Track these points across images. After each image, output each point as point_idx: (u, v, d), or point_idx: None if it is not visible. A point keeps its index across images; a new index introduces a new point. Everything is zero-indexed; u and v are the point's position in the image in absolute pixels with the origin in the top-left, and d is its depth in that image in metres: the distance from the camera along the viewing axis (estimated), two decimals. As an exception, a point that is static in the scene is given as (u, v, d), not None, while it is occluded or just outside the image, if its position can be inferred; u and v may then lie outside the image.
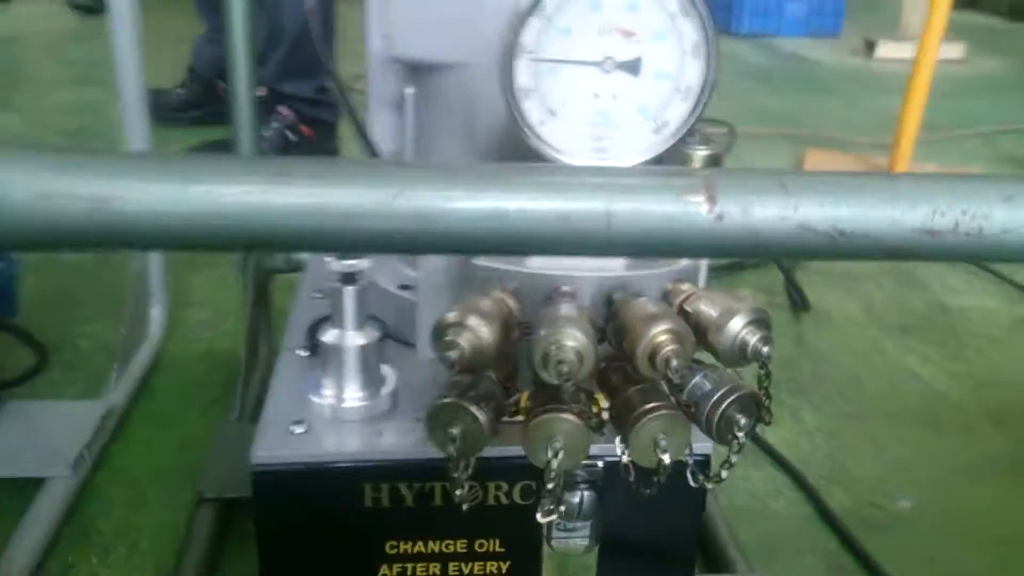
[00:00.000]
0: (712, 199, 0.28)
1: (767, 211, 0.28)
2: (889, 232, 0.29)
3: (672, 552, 0.61)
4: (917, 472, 0.93)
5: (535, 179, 0.27)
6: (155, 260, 1.11)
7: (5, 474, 0.83)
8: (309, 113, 1.70)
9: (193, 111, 1.99)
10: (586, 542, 0.56)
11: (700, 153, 0.53)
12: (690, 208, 0.28)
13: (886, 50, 3.11)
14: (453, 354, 0.42)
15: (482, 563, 0.59)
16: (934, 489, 0.91)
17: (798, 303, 1.28)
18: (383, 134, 0.73)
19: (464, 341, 0.42)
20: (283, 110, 1.72)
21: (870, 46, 3.17)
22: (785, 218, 0.28)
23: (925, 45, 1.62)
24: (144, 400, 0.99)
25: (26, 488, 0.82)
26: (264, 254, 1.04)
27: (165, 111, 1.96)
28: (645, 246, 0.28)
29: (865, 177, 0.29)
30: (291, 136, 1.69)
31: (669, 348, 0.42)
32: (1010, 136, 2.19)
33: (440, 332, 0.43)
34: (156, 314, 1.11)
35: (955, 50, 3.14)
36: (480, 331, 0.42)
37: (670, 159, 0.53)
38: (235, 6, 0.88)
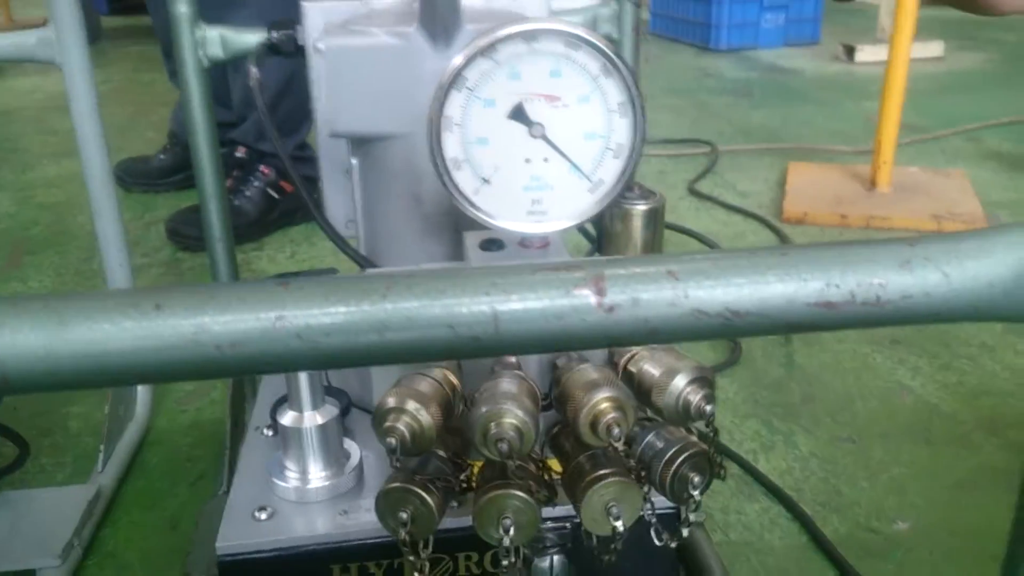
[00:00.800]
0: (601, 292, 0.28)
1: (658, 299, 0.28)
2: (785, 309, 0.28)
3: (653, 607, 0.60)
4: (912, 491, 0.92)
5: (420, 285, 0.27)
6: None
7: (-6, 569, 0.83)
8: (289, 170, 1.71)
9: (176, 175, 2.00)
10: (562, 606, 0.56)
11: (639, 208, 0.52)
12: (579, 303, 0.28)
13: (866, 54, 3.12)
14: (393, 440, 0.41)
15: (459, 635, 0.58)
16: (930, 508, 0.89)
17: (786, 323, 1.27)
18: (335, 199, 0.74)
19: (403, 426, 0.42)
20: (264, 169, 1.73)
21: (849, 51, 3.18)
22: (676, 304, 0.28)
23: (896, 46, 1.62)
24: (132, 479, 0.99)
25: (16, 581, 0.82)
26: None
27: (148, 177, 1.98)
28: (536, 344, 0.28)
29: (756, 255, 0.29)
30: (273, 194, 1.70)
31: (610, 416, 0.42)
32: (993, 131, 2.18)
33: (379, 419, 0.42)
34: (142, 390, 1.11)
35: (933, 48, 3.15)
36: (419, 415, 0.42)
37: (609, 215, 0.53)
38: (193, 91, 0.89)
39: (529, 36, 0.48)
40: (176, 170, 2.00)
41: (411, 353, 0.27)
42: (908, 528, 0.87)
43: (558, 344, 0.28)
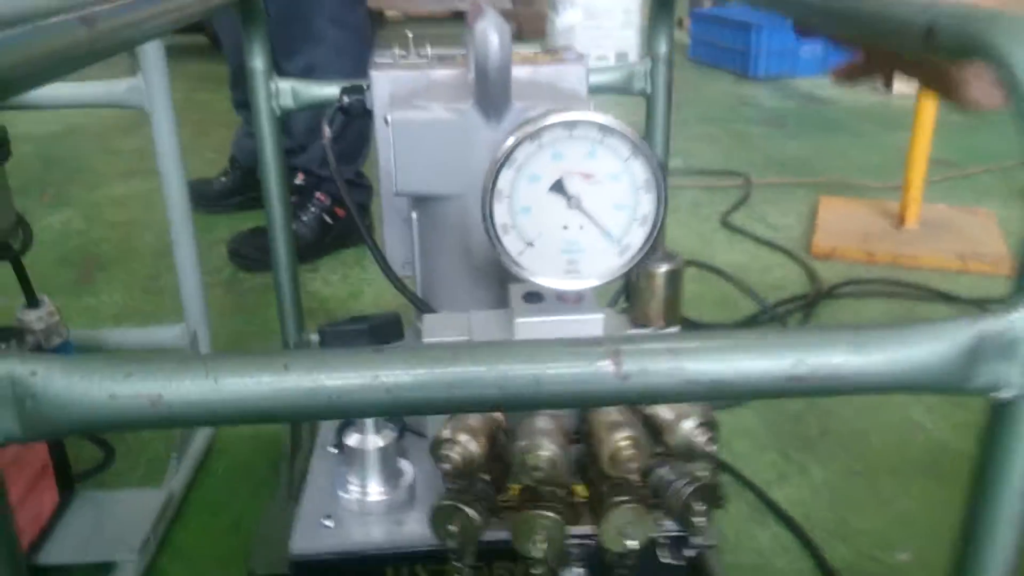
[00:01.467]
0: (618, 364, 0.36)
1: (660, 370, 0.36)
2: (760, 380, 0.36)
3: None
4: (918, 524, 0.98)
5: (480, 355, 0.36)
6: (205, 349, 1.21)
7: (81, 560, 0.93)
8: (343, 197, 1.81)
9: (236, 197, 2.12)
10: (584, 613, 0.64)
11: (661, 270, 0.61)
12: (600, 372, 0.36)
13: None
14: (447, 466, 0.50)
15: (495, 634, 0.66)
16: (934, 540, 0.96)
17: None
18: (394, 242, 0.83)
19: (455, 454, 0.50)
20: (320, 195, 1.83)
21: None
22: (674, 375, 0.36)
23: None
24: (200, 484, 1.09)
25: (98, 572, 0.92)
26: (302, 339, 1.15)
27: (210, 199, 2.09)
28: (567, 402, 0.36)
29: (741, 336, 0.37)
30: (328, 219, 1.81)
31: (628, 452, 0.50)
32: (1025, 170, 2.22)
33: (435, 447, 0.51)
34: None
35: (973, 81, 3.17)
36: (469, 446, 0.51)
37: (635, 274, 0.61)
38: (267, 137, 1.00)
39: (569, 125, 0.56)
40: (236, 192, 2.12)
41: (470, 407, 0.36)
42: (909, 558, 0.93)
43: (584, 403, 0.36)
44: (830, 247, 1.71)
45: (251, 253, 1.76)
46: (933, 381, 0.38)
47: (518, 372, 0.36)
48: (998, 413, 0.40)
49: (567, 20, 3.55)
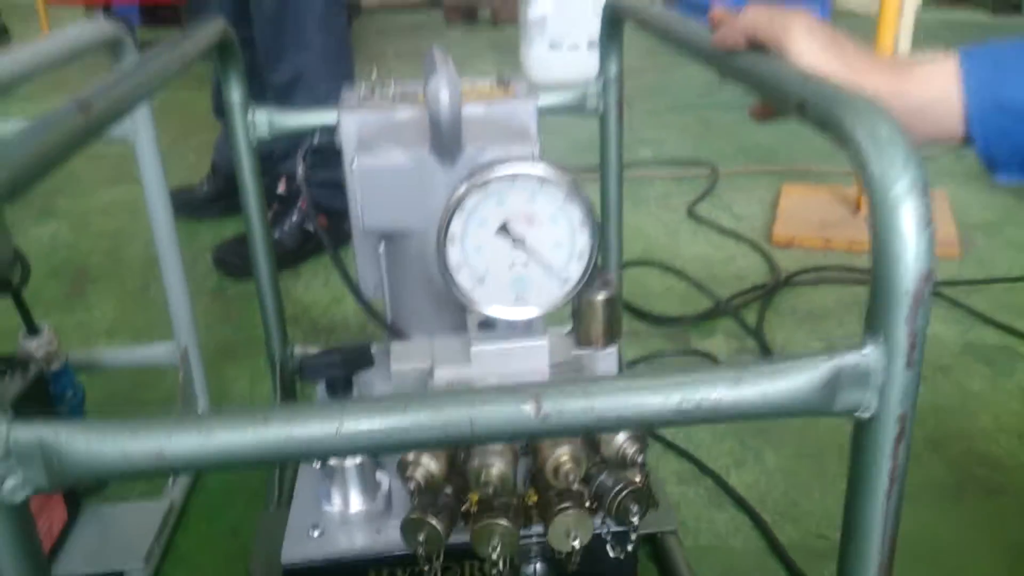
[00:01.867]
0: (538, 407, 0.44)
1: (574, 409, 0.44)
2: (656, 414, 0.44)
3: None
4: (860, 501, 1.07)
5: (425, 403, 0.44)
6: (196, 366, 1.28)
7: (92, 570, 1.01)
8: (327, 203, 1.86)
9: (217, 203, 2.17)
10: (546, 601, 0.72)
11: (599, 297, 0.68)
12: (524, 414, 0.44)
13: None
14: (411, 485, 0.58)
15: (468, 623, 0.74)
16: (874, 516, 1.04)
17: (766, 347, 1.42)
18: (365, 269, 0.90)
19: (418, 474, 0.58)
20: (303, 204, 1.89)
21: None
22: (586, 413, 0.44)
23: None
24: (197, 494, 1.17)
25: (108, 581, 1.00)
26: (287, 353, 1.22)
27: (191, 206, 2.15)
28: (498, 438, 0.44)
29: (639, 378, 0.44)
30: (309, 228, 1.87)
31: (568, 466, 0.58)
32: (980, 150, 2.30)
33: (401, 468, 0.59)
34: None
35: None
36: (429, 466, 0.58)
37: (577, 302, 0.69)
38: (245, 164, 1.06)
39: (512, 176, 0.64)
40: (219, 198, 2.18)
41: (419, 446, 0.44)
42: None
43: (512, 438, 0.44)
44: (789, 236, 1.79)
45: (236, 261, 1.83)
46: (801, 407, 0.46)
47: (456, 417, 0.43)
48: (859, 430, 0.48)
49: (539, 9, 3.60)
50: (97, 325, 1.68)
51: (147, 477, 0.43)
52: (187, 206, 2.15)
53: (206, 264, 1.90)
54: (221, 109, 2.12)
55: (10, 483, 0.42)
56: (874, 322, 0.45)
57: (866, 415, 0.47)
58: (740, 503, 1.08)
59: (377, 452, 0.43)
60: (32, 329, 1.06)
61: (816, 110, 0.49)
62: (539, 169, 0.64)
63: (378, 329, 0.88)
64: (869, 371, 0.45)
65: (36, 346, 1.05)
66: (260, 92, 1.88)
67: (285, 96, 1.80)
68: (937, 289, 1.55)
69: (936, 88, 0.62)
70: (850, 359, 0.45)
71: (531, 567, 0.70)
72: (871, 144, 0.44)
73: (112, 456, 0.42)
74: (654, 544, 1.00)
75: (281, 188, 1.92)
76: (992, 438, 1.18)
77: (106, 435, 0.42)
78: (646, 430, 0.61)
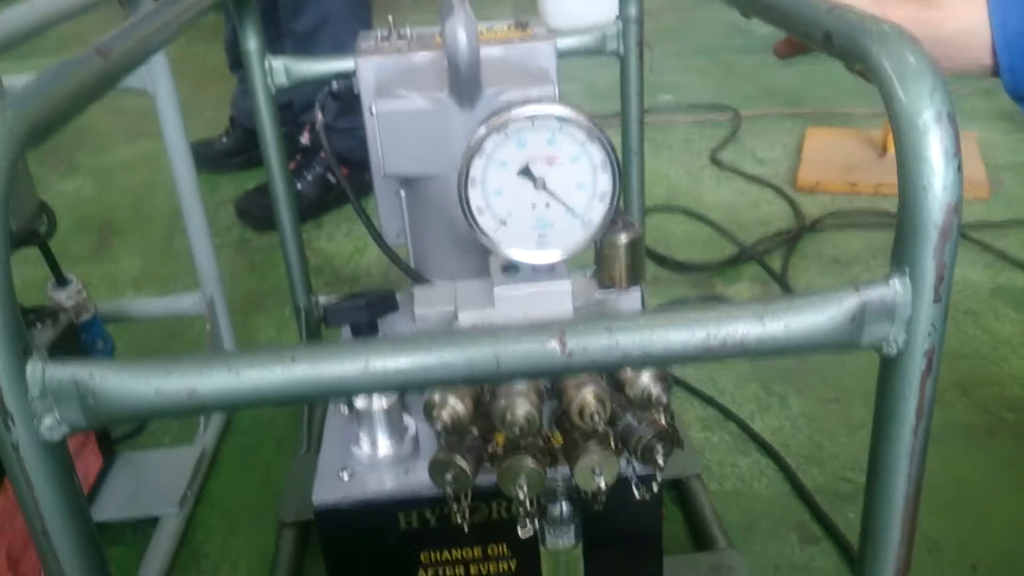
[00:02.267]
0: (563, 343, 0.44)
1: (599, 346, 0.44)
2: (681, 350, 0.44)
3: (643, 540, 0.77)
4: (885, 443, 1.07)
5: (450, 340, 0.44)
6: (223, 315, 1.30)
7: (126, 515, 1.03)
8: (349, 154, 1.85)
9: (238, 156, 2.18)
10: (571, 541, 0.73)
11: (622, 239, 0.68)
12: (549, 350, 0.44)
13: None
14: (439, 426, 0.59)
15: (495, 563, 0.76)
16: (898, 457, 1.04)
17: (790, 292, 1.41)
18: (387, 215, 0.90)
19: (446, 415, 0.59)
20: (324, 155, 1.89)
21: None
22: (611, 349, 0.44)
23: None
24: (229, 440, 1.19)
25: (144, 526, 1.02)
26: (311, 301, 1.23)
27: (212, 160, 2.15)
28: (524, 375, 0.44)
29: (662, 315, 0.44)
30: (331, 179, 1.87)
31: (593, 406, 0.58)
32: (1011, 90, 2.24)
33: (427, 409, 0.59)
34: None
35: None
36: (457, 407, 0.59)
37: (600, 244, 0.69)
38: (264, 111, 1.06)
39: (531, 116, 0.63)
40: (239, 151, 2.18)
41: (445, 383, 0.44)
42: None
43: (537, 376, 0.44)
44: (814, 180, 1.77)
45: (259, 212, 1.84)
46: (826, 342, 0.45)
47: (482, 354, 0.44)
48: (886, 366, 0.48)
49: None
50: (124, 276, 1.70)
51: (179, 415, 0.43)
52: (208, 159, 2.16)
53: (229, 216, 1.91)
54: (236, 63, 2.12)
55: (47, 421, 0.43)
56: (900, 255, 0.45)
57: (892, 350, 0.46)
58: (764, 447, 1.08)
59: (404, 389, 0.44)
60: (61, 280, 1.07)
61: (842, 41, 0.48)
62: (559, 109, 0.63)
63: (402, 277, 0.88)
64: (895, 305, 0.45)
65: (65, 297, 1.06)
66: (278, 42, 1.87)
67: (308, 44, 1.78)
68: (966, 231, 1.52)
69: (963, 19, 0.60)
70: (876, 293, 0.45)
71: (557, 507, 0.70)
72: (898, 73, 0.43)
73: (145, 394, 0.43)
74: (679, 488, 1.02)
75: (304, 138, 1.92)
76: (1022, 383, 1.17)
77: (139, 374, 0.43)
78: (670, 371, 0.61)
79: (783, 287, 1.43)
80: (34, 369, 0.42)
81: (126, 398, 0.43)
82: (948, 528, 0.95)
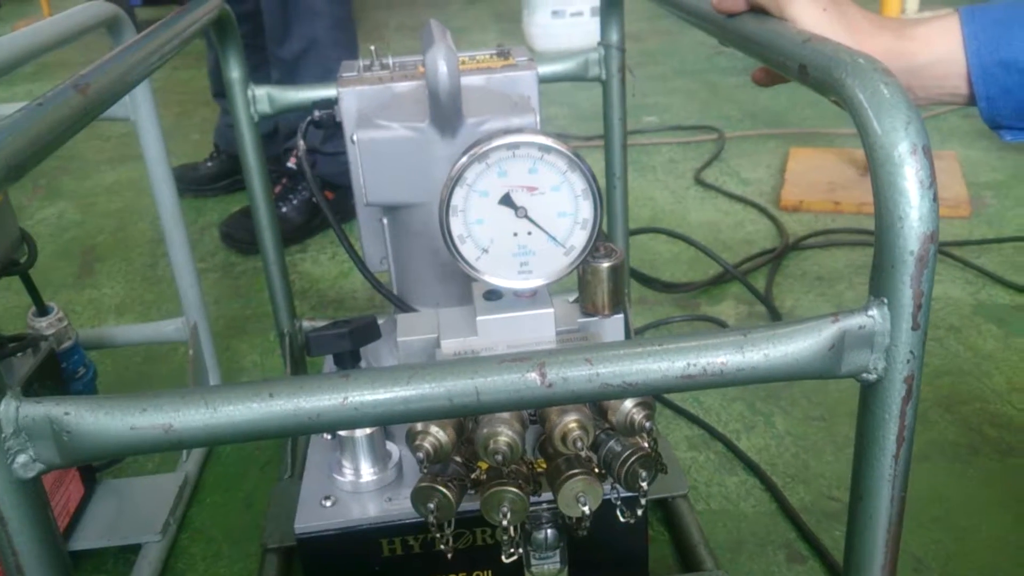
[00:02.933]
0: (543, 375, 0.44)
1: (578, 377, 0.44)
2: (660, 380, 0.44)
3: (629, 563, 0.77)
4: (870, 463, 1.07)
5: (429, 374, 0.44)
6: (206, 341, 1.29)
7: (109, 543, 1.02)
8: (335, 178, 1.85)
9: (223, 181, 2.18)
10: (557, 566, 0.72)
11: (604, 265, 0.68)
12: (529, 382, 0.44)
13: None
14: (420, 455, 0.58)
15: (480, 589, 0.76)
16: (883, 477, 1.05)
17: (775, 312, 1.42)
18: (370, 242, 0.90)
19: (427, 444, 0.59)
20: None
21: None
22: (591, 381, 0.44)
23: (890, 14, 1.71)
24: (211, 466, 1.18)
25: (126, 554, 1.01)
26: (295, 326, 1.23)
27: (197, 184, 2.15)
28: (504, 407, 0.44)
29: (642, 344, 0.44)
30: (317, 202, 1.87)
31: (576, 433, 0.58)
32: (990, 108, 2.27)
33: (410, 438, 0.59)
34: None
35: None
36: (438, 435, 0.59)
37: (582, 270, 0.69)
38: (247, 139, 1.06)
39: (512, 146, 0.63)
40: (223, 176, 2.18)
41: (425, 417, 0.44)
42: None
43: (517, 407, 0.44)
44: (797, 199, 1.78)
45: (244, 236, 1.83)
46: (807, 370, 0.46)
47: (461, 387, 0.44)
48: (866, 393, 0.48)
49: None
50: (107, 302, 1.69)
51: (156, 452, 0.43)
52: (193, 183, 2.16)
53: (213, 241, 1.91)
54: (220, 92, 2.12)
55: (21, 459, 0.42)
56: (878, 284, 0.45)
57: (872, 377, 0.47)
58: (751, 467, 1.08)
59: (383, 423, 0.43)
60: (41, 308, 1.06)
61: (817, 72, 0.49)
62: (540, 139, 0.63)
63: (385, 302, 0.88)
64: (874, 333, 0.45)
65: (46, 325, 1.05)
66: (264, 68, 1.87)
67: (294, 69, 1.78)
68: (947, 249, 1.54)
69: (938, 48, 0.61)
70: (855, 322, 0.45)
71: (542, 533, 0.70)
72: (872, 105, 0.44)
73: (121, 431, 0.42)
74: (665, 508, 1.01)
75: (291, 162, 1.92)
76: (1004, 398, 1.18)
77: (114, 411, 0.42)
78: (653, 396, 0.61)
79: (767, 306, 1.43)
80: (7, 407, 0.41)
81: (101, 435, 0.42)
82: (933, 546, 0.95)
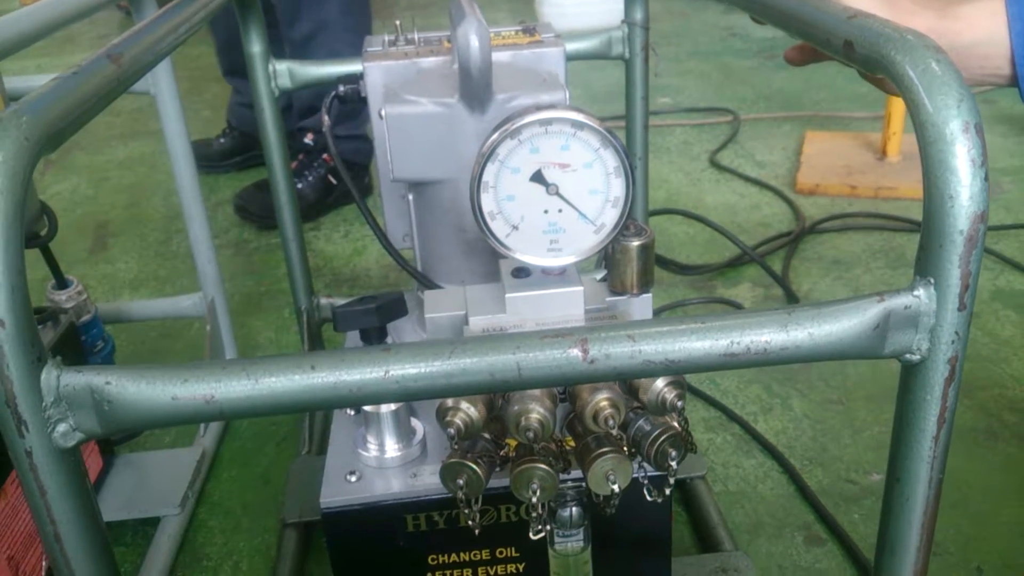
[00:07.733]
0: (585, 351, 0.43)
1: (621, 353, 0.44)
2: (704, 358, 0.44)
3: (652, 542, 0.77)
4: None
5: (470, 348, 0.43)
6: (223, 317, 1.29)
7: (127, 516, 1.03)
8: (349, 157, 1.85)
9: (235, 157, 2.17)
10: (581, 544, 0.72)
11: (634, 244, 0.68)
12: (571, 357, 0.43)
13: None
14: (451, 431, 0.58)
15: (503, 566, 0.76)
16: (902, 461, 1.04)
17: (792, 295, 1.41)
18: (393, 218, 0.90)
19: (458, 420, 0.58)
20: (327, 156, 1.88)
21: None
22: (633, 357, 0.44)
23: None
24: (229, 441, 1.18)
25: (145, 526, 1.02)
26: (313, 303, 1.23)
27: (209, 160, 2.14)
28: (545, 384, 0.44)
29: (685, 322, 0.44)
30: (332, 180, 1.86)
31: (607, 411, 0.58)
32: (1007, 94, 2.25)
33: (440, 414, 0.59)
34: (229, 365, 1.29)
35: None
36: (470, 412, 0.58)
37: (611, 249, 0.68)
38: (267, 114, 1.06)
39: (545, 122, 0.63)
40: (236, 152, 2.17)
41: (465, 392, 0.44)
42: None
43: (559, 384, 0.44)
44: (813, 183, 1.77)
45: (257, 209, 1.83)
46: (849, 350, 0.45)
47: (503, 362, 0.43)
48: (908, 373, 0.48)
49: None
50: (121, 277, 1.69)
51: (197, 422, 0.43)
52: (205, 159, 2.15)
53: (227, 217, 1.90)
54: (230, 70, 2.11)
55: (61, 428, 0.42)
56: (925, 264, 0.44)
57: (916, 358, 0.46)
58: (768, 449, 1.08)
59: (423, 398, 0.43)
60: (61, 281, 1.06)
61: (864, 49, 0.48)
62: (574, 115, 0.62)
63: (402, 279, 0.88)
64: (920, 314, 0.45)
65: (66, 298, 1.05)
66: (277, 49, 1.86)
67: (305, 50, 1.78)
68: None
69: (982, 29, 0.60)
70: (900, 301, 0.45)
71: (567, 511, 0.70)
72: (924, 82, 0.43)
73: (162, 401, 0.42)
74: (684, 489, 1.01)
75: (309, 138, 1.91)
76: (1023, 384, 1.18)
77: (156, 381, 0.42)
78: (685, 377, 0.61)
79: (784, 289, 1.43)
80: (48, 376, 0.41)
81: (142, 405, 0.42)
82: (952, 530, 0.95)
